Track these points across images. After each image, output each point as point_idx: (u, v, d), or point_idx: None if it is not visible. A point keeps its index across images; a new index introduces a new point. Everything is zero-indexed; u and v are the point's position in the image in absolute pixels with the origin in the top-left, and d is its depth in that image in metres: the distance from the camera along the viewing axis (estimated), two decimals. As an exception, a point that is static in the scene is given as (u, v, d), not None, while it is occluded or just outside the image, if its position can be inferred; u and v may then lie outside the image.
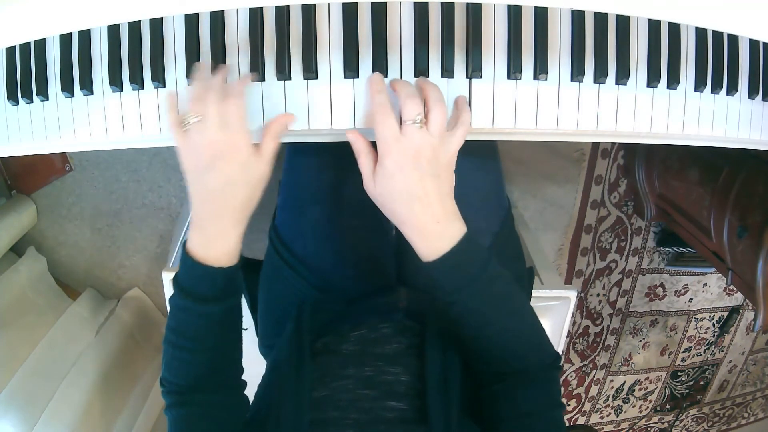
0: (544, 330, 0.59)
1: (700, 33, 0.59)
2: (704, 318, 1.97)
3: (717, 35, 0.60)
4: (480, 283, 0.52)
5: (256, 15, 0.54)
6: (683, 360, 2.05)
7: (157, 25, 0.56)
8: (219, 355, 0.57)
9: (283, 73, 0.55)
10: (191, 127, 0.50)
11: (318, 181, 0.75)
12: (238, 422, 0.59)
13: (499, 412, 0.54)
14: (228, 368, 0.61)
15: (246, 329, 0.63)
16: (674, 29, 0.58)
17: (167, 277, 0.94)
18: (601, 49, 0.56)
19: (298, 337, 0.60)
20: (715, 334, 2.01)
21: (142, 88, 0.57)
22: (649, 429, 2.20)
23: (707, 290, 1.92)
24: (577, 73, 0.56)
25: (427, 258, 0.51)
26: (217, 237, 0.53)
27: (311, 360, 0.59)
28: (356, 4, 0.54)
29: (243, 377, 0.64)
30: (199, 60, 0.56)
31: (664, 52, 0.58)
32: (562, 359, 1.90)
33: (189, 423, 0.56)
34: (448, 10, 0.54)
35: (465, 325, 0.55)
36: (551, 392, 0.56)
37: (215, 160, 0.49)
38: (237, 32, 0.55)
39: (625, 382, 2.03)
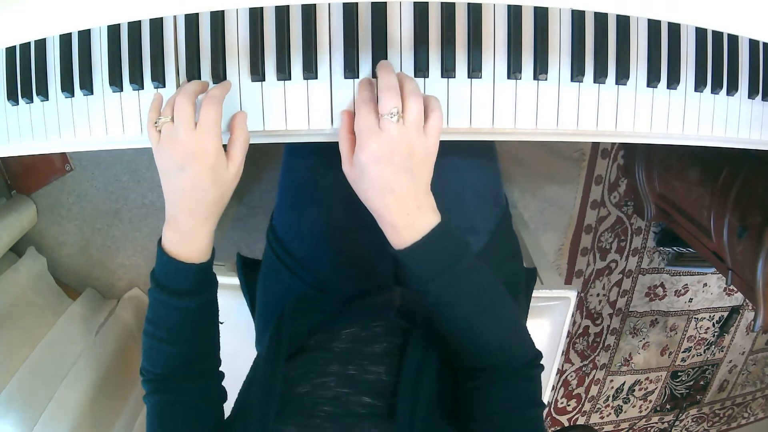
0: (524, 327, 0.58)
1: (700, 33, 0.59)
2: (704, 318, 1.97)
3: (717, 35, 0.60)
4: (452, 274, 0.52)
5: (256, 15, 0.55)
6: (683, 360, 2.05)
7: (157, 25, 0.56)
8: (195, 347, 0.59)
9: (283, 73, 0.55)
10: (162, 128, 0.51)
11: (316, 181, 0.75)
12: (212, 411, 0.61)
13: (472, 411, 0.54)
14: (204, 359, 0.62)
15: (223, 323, 0.64)
16: (674, 29, 0.58)
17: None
18: (601, 49, 0.57)
19: (277, 332, 0.61)
20: (715, 334, 2.01)
21: (142, 88, 0.57)
22: (649, 429, 2.20)
23: (707, 290, 1.92)
24: (577, 73, 0.56)
25: (397, 246, 0.52)
26: (189, 234, 0.55)
27: (299, 353, 0.60)
28: (356, 4, 0.54)
29: (233, 374, 0.65)
30: (199, 60, 0.56)
31: (664, 52, 0.58)
32: (562, 359, 1.90)
33: (165, 409, 0.58)
34: (448, 10, 0.54)
35: (439, 317, 0.55)
36: (528, 391, 0.55)
37: (185, 161, 0.51)
38: (237, 32, 0.55)
39: (625, 382, 2.03)
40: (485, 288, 0.55)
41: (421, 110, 0.49)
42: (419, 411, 0.50)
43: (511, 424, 0.53)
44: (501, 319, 0.56)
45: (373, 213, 0.52)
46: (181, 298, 0.56)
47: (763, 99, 0.63)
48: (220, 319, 0.64)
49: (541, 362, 0.58)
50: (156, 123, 0.51)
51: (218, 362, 0.65)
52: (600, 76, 0.57)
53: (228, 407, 0.63)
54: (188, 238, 0.55)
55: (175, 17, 0.56)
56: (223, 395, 0.64)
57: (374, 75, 0.55)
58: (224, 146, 0.53)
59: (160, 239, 0.56)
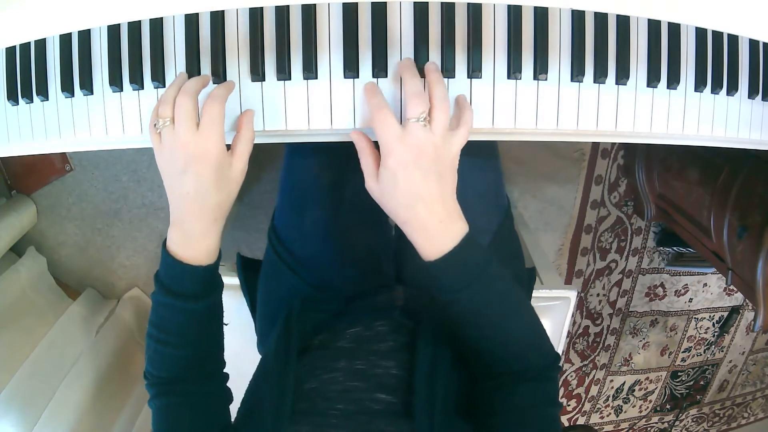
0: (544, 330, 0.59)
1: (700, 33, 0.59)
2: (704, 318, 1.97)
3: (717, 35, 0.60)
4: (480, 282, 0.52)
5: (256, 15, 0.55)
6: (683, 360, 2.05)
7: (157, 25, 0.56)
8: (200, 349, 0.59)
9: (283, 73, 0.55)
10: (162, 130, 0.50)
11: (317, 181, 0.75)
12: (219, 413, 0.60)
13: (493, 407, 0.54)
14: (209, 362, 0.61)
15: (227, 324, 0.63)
16: (674, 29, 0.58)
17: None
18: (601, 49, 0.56)
19: (287, 331, 0.61)
20: (715, 334, 2.01)
21: (142, 88, 0.57)
22: (649, 429, 2.20)
23: (707, 290, 1.92)
24: (577, 73, 0.56)
25: (428, 257, 0.51)
26: (196, 237, 0.53)
27: (304, 353, 0.60)
28: (356, 4, 0.54)
29: (235, 374, 0.65)
30: (199, 60, 0.56)
31: (664, 52, 0.58)
32: (562, 359, 1.90)
33: (171, 412, 0.58)
34: (448, 10, 0.54)
35: (464, 325, 0.55)
36: (547, 391, 0.56)
37: (188, 163, 0.49)
38: (237, 32, 0.55)
39: (625, 382, 2.03)
40: (509, 294, 0.55)
41: (448, 119, 0.49)
42: (437, 407, 0.50)
43: (531, 422, 0.53)
44: (525, 323, 0.56)
45: (403, 225, 0.51)
46: (187, 301, 0.55)
47: (763, 99, 0.63)
48: (225, 321, 0.63)
49: (560, 364, 0.58)
50: (156, 125, 0.50)
51: (223, 364, 0.64)
52: (600, 76, 0.57)
53: (232, 408, 0.63)
54: (195, 240, 0.54)
55: (174, 17, 0.56)
56: (229, 396, 0.64)
57: (375, 75, 0.55)
58: (227, 145, 0.53)
59: (165, 241, 0.55)
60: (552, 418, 0.54)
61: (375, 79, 0.55)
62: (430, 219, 0.50)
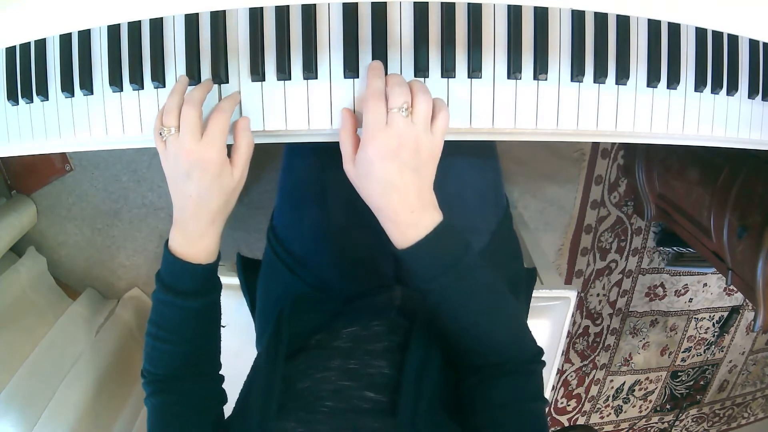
0: (526, 325, 0.59)
1: (700, 33, 0.59)
2: (704, 318, 1.97)
3: (717, 35, 0.60)
4: (455, 273, 0.52)
5: (256, 15, 0.55)
6: (683, 360, 2.05)
7: (157, 25, 0.56)
8: (196, 348, 0.60)
9: (283, 73, 0.55)
10: (168, 138, 0.52)
11: (316, 181, 0.75)
12: (213, 412, 0.62)
13: (476, 404, 0.55)
14: (205, 361, 0.63)
15: (225, 326, 0.65)
16: (674, 29, 0.58)
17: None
18: (601, 49, 0.57)
19: (277, 330, 0.61)
20: (715, 334, 2.01)
21: (142, 88, 0.57)
22: (649, 429, 2.20)
23: (707, 290, 1.92)
24: (577, 73, 0.56)
25: (400, 245, 0.52)
26: (196, 236, 0.56)
27: (300, 352, 0.60)
28: (356, 4, 0.54)
29: (235, 374, 0.65)
30: (199, 60, 0.56)
31: (664, 52, 0.58)
32: (562, 359, 1.90)
33: (166, 410, 0.59)
34: (448, 10, 0.54)
35: (442, 316, 0.55)
36: (529, 385, 0.56)
37: (191, 170, 0.51)
38: (237, 32, 0.55)
39: (625, 382, 2.03)
40: (487, 286, 0.55)
41: (429, 108, 0.49)
42: (421, 406, 0.51)
43: (514, 417, 0.53)
44: (504, 317, 0.56)
45: (376, 211, 0.52)
46: (186, 299, 0.57)
47: (763, 99, 0.63)
48: (223, 323, 0.64)
49: (543, 359, 0.58)
50: (161, 134, 0.52)
51: (219, 365, 0.65)
52: (600, 76, 0.57)
53: (228, 409, 0.63)
54: (195, 240, 0.56)
55: (174, 17, 0.56)
56: (223, 397, 0.65)
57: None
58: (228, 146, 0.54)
59: (167, 241, 0.57)
60: (535, 413, 0.54)
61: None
62: (402, 209, 0.50)
